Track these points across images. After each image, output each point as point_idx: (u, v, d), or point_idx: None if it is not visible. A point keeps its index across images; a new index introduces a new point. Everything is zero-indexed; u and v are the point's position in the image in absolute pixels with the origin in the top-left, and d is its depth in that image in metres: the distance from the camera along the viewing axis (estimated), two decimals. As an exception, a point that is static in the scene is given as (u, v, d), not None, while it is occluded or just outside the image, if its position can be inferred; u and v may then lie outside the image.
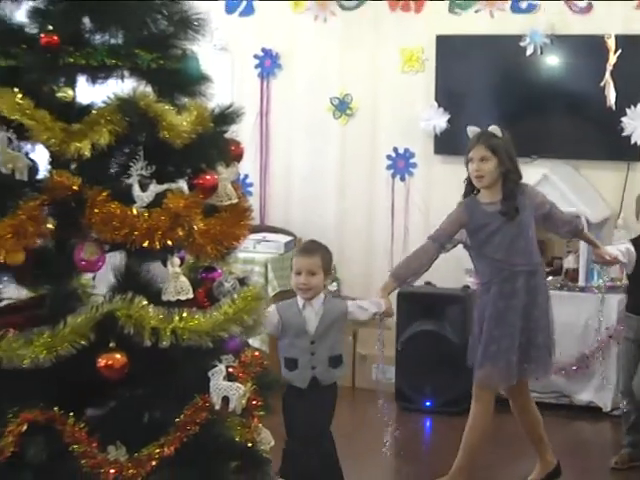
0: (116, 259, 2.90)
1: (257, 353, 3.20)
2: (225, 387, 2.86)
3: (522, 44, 6.50)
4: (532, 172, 6.43)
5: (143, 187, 2.75)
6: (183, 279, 2.85)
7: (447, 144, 6.67)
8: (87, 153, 2.70)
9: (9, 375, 2.68)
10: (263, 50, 7.32)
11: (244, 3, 7.36)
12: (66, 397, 2.75)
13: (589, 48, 6.38)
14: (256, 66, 7.35)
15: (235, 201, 2.95)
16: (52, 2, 2.83)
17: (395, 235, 6.95)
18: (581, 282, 6.14)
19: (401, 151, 7.02)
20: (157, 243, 2.72)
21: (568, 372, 6.06)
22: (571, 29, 6.50)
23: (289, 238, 7.07)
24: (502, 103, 6.76)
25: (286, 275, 6.93)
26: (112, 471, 2.72)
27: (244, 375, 2.98)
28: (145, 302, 2.74)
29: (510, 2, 6.67)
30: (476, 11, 6.76)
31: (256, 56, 7.33)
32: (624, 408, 5.33)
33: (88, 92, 2.88)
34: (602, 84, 6.20)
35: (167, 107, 2.79)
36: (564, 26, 6.51)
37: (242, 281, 3.06)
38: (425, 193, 6.87)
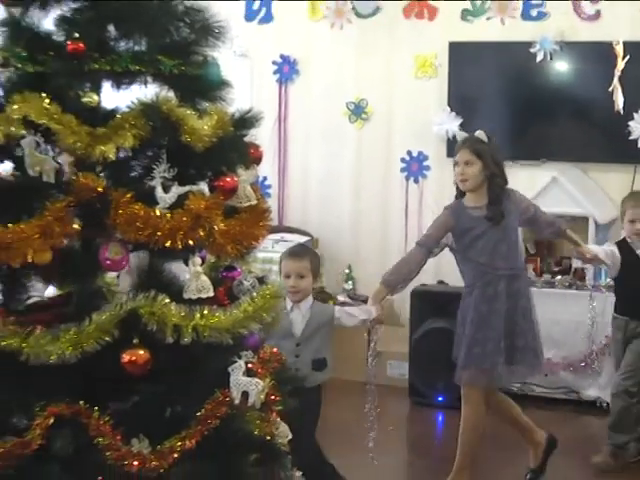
0: (139, 258, 2.90)
1: (275, 349, 3.20)
2: (244, 382, 2.86)
3: (532, 50, 6.49)
4: (541, 175, 6.44)
5: (166, 189, 2.75)
6: (204, 278, 2.85)
7: (459, 147, 6.65)
8: (112, 156, 2.70)
9: (36, 370, 2.68)
10: (281, 56, 7.32)
11: (263, 11, 7.36)
12: (91, 392, 2.75)
13: (597, 54, 6.35)
14: (274, 72, 7.35)
15: (254, 202, 2.95)
16: (78, 10, 2.83)
17: (409, 235, 6.93)
18: (589, 281, 6.11)
19: (415, 154, 7.02)
20: (179, 243, 2.72)
21: (576, 369, 6.04)
22: (580, 36, 6.47)
23: (306, 238, 7.07)
24: (513, 108, 6.76)
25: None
26: (135, 463, 2.72)
27: (263, 371, 2.98)
28: (167, 300, 2.74)
29: (521, 10, 6.66)
30: (488, 18, 6.75)
31: (274, 62, 7.34)
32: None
33: (113, 97, 2.88)
34: (610, 89, 6.17)
35: (189, 112, 2.79)
36: (573, 33, 6.49)
37: (261, 280, 3.06)
38: (438, 195, 6.85)
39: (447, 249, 4.85)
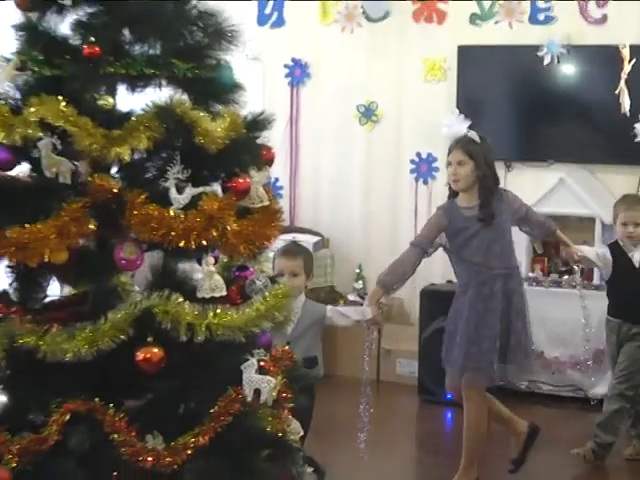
0: (154, 258, 2.90)
1: (287, 348, 3.20)
2: (257, 380, 2.86)
3: (540, 54, 6.48)
4: (549, 176, 6.43)
5: (179, 190, 2.75)
6: (217, 277, 2.85)
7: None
8: (127, 158, 2.70)
9: (53, 368, 2.69)
10: (293, 60, 7.33)
11: (275, 15, 7.37)
12: (106, 389, 2.75)
13: (604, 58, 6.34)
14: (286, 75, 7.36)
15: (266, 203, 2.94)
16: (94, 15, 2.84)
17: (418, 236, 6.93)
18: (596, 281, 6.09)
19: (424, 156, 7.01)
20: (192, 243, 2.72)
21: (583, 367, 6.02)
22: (587, 39, 6.46)
23: (317, 238, 7.07)
24: (520, 110, 6.75)
25: (315, 273, 6.95)
26: (150, 459, 2.72)
27: (275, 369, 2.97)
28: (181, 299, 2.74)
29: (528, 14, 6.65)
30: (496, 22, 6.75)
31: (286, 66, 7.34)
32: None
33: (128, 100, 2.88)
34: (617, 92, 6.17)
35: (202, 114, 2.79)
36: (580, 37, 6.48)
37: (273, 279, 3.06)
38: (446, 196, 6.84)
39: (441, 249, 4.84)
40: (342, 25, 7.17)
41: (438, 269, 6.40)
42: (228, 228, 2.78)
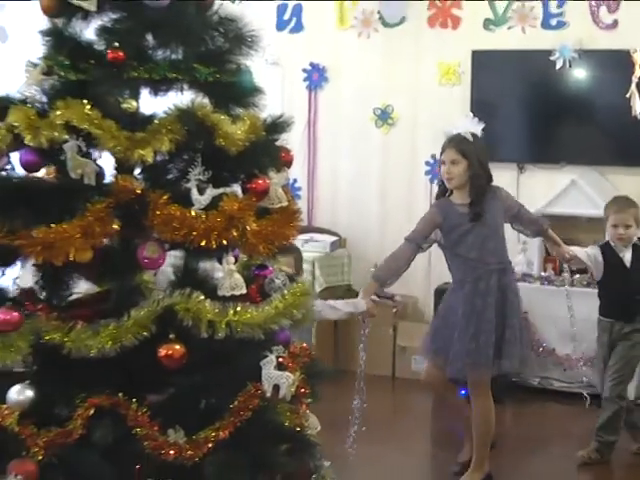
0: (176, 257, 2.91)
1: (305, 344, 3.20)
2: (276, 376, 2.86)
3: (552, 58, 6.46)
4: (561, 178, 6.41)
5: (201, 191, 2.75)
6: (237, 276, 2.85)
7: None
8: (149, 159, 2.71)
9: (78, 364, 2.69)
10: (311, 64, 7.33)
11: (294, 21, 7.37)
12: (130, 384, 2.76)
13: (615, 62, 6.32)
14: (304, 79, 7.36)
15: (285, 204, 2.94)
16: (118, 21, 2.84)
17: (432, 236, 6.92)
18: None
19: (438, 158, 6.98)
20: (213, 243, 2.72)
21: (594, 364, 5.99)
22: (598, 44, 6.44)
23: (335, 238, 7.08)
24: (533, 113, 6.74)
25: (332, 272, 6.95)
26: (172, 452, 2.72)
27: (293, 365, 2.97)
28: (202, 297, 2.74)
29: (541, 19, 6.64)
30: (509, 28, 6.74)
31: (304, 70, 7.35)
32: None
33: (151, 103, 2.89)
34: (627, 95, 6.15)
35: (223, 117, 2.80)
36: (591, 41, 6.45)
37: (291, 278, 3.06)
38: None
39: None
40: (359, 30, 7.17)
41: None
42: (248, 228, 2.78)
